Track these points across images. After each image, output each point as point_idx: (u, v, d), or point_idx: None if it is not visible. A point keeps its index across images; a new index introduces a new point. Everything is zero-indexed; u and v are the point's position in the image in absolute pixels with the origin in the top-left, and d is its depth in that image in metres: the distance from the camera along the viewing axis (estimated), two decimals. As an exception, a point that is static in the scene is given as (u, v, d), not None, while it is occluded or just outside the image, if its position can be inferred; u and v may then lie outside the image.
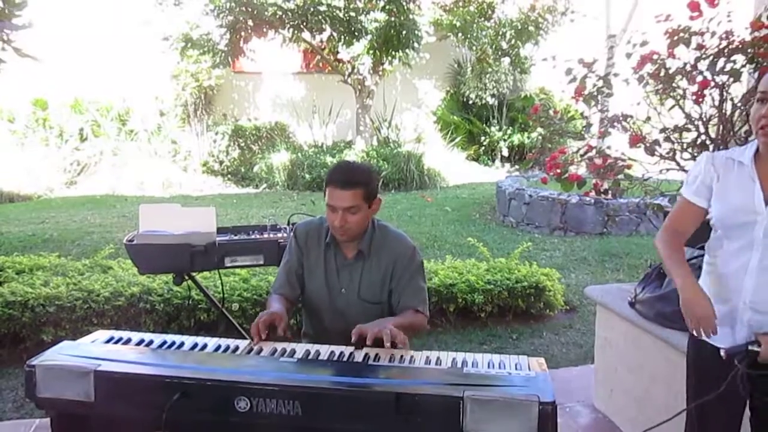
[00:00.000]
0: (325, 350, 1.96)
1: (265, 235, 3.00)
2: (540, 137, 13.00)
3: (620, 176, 3.44)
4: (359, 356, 1.93)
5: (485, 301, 4.91)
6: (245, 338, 2.37)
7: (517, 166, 13.20)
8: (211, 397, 1.68)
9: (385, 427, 1.64)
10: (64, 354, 1.84)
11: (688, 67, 3.03)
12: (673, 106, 3.15)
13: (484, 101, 13.11)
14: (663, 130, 3.18)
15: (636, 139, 3.03)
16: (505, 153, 13.24)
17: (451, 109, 13.63)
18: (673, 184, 3.73)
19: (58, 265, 5.08)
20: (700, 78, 2.99)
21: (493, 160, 13.36)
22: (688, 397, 2.25)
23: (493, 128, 13.29)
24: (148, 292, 4.46)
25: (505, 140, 13.14)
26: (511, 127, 13.28)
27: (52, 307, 4.21)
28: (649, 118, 3.41)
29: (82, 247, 6.91)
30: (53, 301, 4.24)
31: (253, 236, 3.00)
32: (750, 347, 1.88)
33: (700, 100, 2.98)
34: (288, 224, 3.01)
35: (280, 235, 2.97)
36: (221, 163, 12.14)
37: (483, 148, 13.40)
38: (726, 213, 1.97)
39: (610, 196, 3.30)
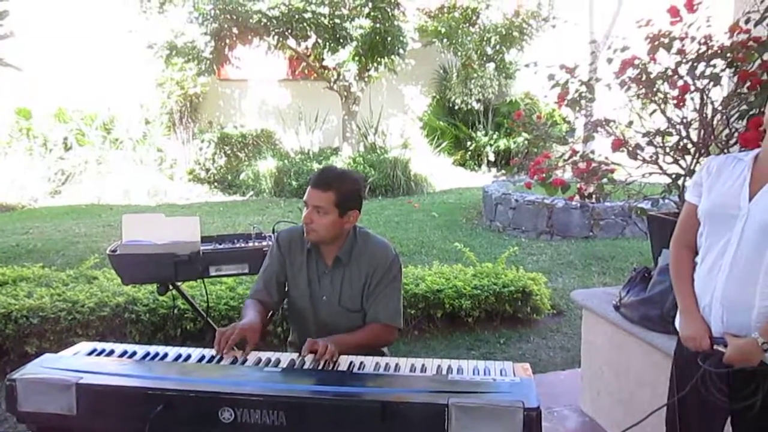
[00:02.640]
0: (309, 359, 1.95)
1: (250, 244, 2.99)
2: (526, 142, 13.15)
3: (604, 180, 3.46)
4: (344, 365, 1.92)
5: (473, 307, 4.92)
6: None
7: (503, 171, 13.25)
8: (195, 408, 1.67)
9: (370, 436, 1.63)
10: (45, 367, 1.82)
11: (669, 72, 3.06)
12: (654, 111, 3.18)
13: (469, 106, 13.14)
14: (645, 134, 3.21)
15: (618, 143, 3.05)
16: (492, 158, 13.28)
17: (437, 114, 13.67)
18: (656, 187, 3.76)
19: (41, 276, 5.03)
20: (681, 82, 3.02)
21: (480, 165, 13.40)
22: (668, 399, 2.26)
23: (479, 133, 13.33)
24: (133, 302, 4.43)
25: (491, 145, 13.18)
26: (497, 132, 13.32)
27: (36, 319, 4.17)
28: (631, 123, 3.44)
29: (67, 258, 6.85)
30: (37, 313, 4.20)
31: (237, 245, 2.99)
32: (715, 346, 1.89)
33: (681, 104, 3.00)
34: (273, 232, 2.99)
35: (265, 243, 2.96)
36: (207, 170, 12.08)
37: (469, 153, 13.44)
38: (710, 206, 1.99)
39: (594, 200, 3.31)
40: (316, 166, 11.32)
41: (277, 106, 13.22)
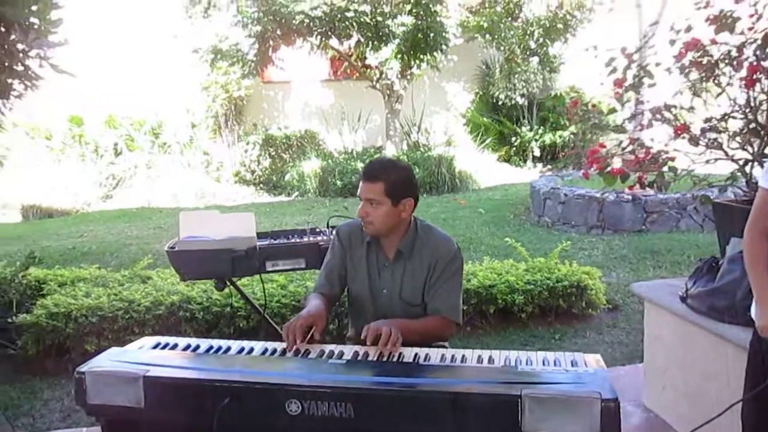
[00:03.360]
0: (373, 352, 1.92)
1: (305, 239, 2.98)
2: (572, 135, 12.92)
3: (665, 168, 3.35)
4: (409, 356, 1.88)
5: (525, 302, 4.83)
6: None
7: (549, 166, 13.04)
8: (262, 401, 1.66)
9: (441, 429, 1.59)
10: (112, 360, 1.83)
11: (733, 53, 2.94)
12: (720, 93, 3.05)
13: (513, 101, 12.97)
14: (708, 120, 3.08)
15: (682, 128, 2.93)
16: (537, 153, 13.07)
17: (481, 110, 13.53)
18: (717, 176, 3.62)
19: (98, 277, 5.14)
20: (746, 63, 2.89)
21: (525, 161, 13.22)
22: (743, 393, 2.16)
23: (523, 128, 13.14)
24: (187, 301, 4.48)
25: (536, 140, 12.98)
26: (542, 127, 13.12)
27: (95, 318, 4.25)
28: (692, 108, 3.31)
29: (121, 259, 6.99)
30: (95, 312, 4.28)
31: (292, 240, 2.98)
32: None
33: (750, 85, 2.87)
34: (327, 227, 2.98)
35: (320, 238, 2.94)
36: (253, 172, 12.22)
37: (514, 149, 13.26)
38: None
39: (656, 189, 3.20)
40: (360, 166, 11.33)
41: (320, 107, 13.29)
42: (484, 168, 11.95)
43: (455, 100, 13.90)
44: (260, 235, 3.01)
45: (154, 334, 4.40)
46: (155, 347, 2.00)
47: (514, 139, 13.22)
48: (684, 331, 2.95)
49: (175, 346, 2.00)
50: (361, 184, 2.32)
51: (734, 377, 2.73)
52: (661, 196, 7.62)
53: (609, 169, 3.17)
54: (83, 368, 1.77)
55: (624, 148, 3.48)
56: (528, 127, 13.16)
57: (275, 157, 12.24)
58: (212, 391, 1.68)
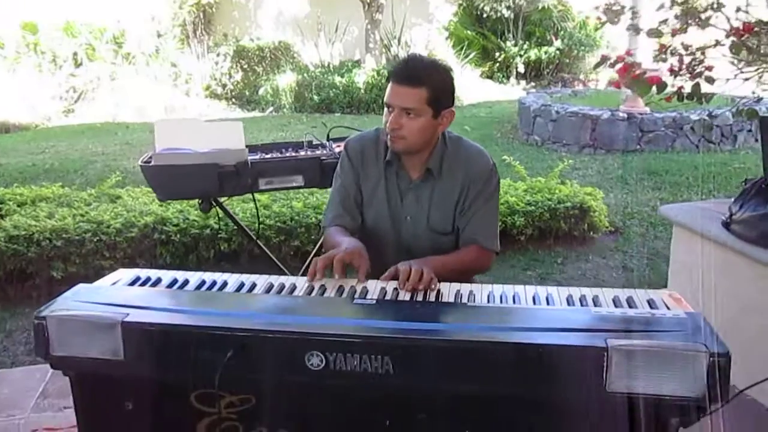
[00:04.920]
0: (402, 290, 1.57)
1: (302, 153, 2.56)
2: (557, 52, 12.41)
3: (701, 78, 2.98)
4: (449, 295, 1.54)
5: (526, 224, 4.54)
6: (285, 273, 1.98)
7: (533, 83, 12.59)
8: (275, 354, 1.31)
9: (502, 387, 1.27)
10: (80, 301, 1.45)
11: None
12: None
13: (499, 14, 12.35)
14: (758, 23, 2.68)
15: (747, 29, 2.51)
16: (521, 69, 12.58)
17: (464, 23, 12.87)
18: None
19: (62, 196, 4.68)
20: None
21: (508, 78, 12.73)
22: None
23: (508, 43, 12.58)
24: (162, 222, 4.09)
25: (521, 56, 12.46)
26: (527, 42, 12.56)
27: (60, 241, 3.84)
28: (738, 9, 2.91)
29: (86, 177, 6.52)
30: (60, 235, 3.87)
31: (288, 154, 2.56)
32: None
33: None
34: (327, 140, 2.57)
35: (320, 152, 2.53)
36: (224, 86, 11.55)
37: (498, 64, 12.73)
38: None
39: (697, 101, 2.83)
40: (338, 80, 10.77)
41: (294, 16, 12.49)
42: (466, 84, 11.43)
43: (437, 12, 13.19)
44: (249, 149, 2.59)
45: (125, 258, 4.07)
46: (133, 283, 1.62)
47: (498, 54, 12.68)
48: (724, 258, 2.67)
49: (158, 282, 1.63)
50: (393, 87, 1.87)
51: (780, 309, 2.49)
52: (658, 115, 7.31)
53: (646, 76, 2.79)
54: (43, 311, 1.40)
55: (656, 56, 3.09)
56: (513, 42, 12.60)
57: (248, 70, 11.56)
58: (210, 340, 1.33)
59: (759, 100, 2.84)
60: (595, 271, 4.32)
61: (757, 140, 7.63)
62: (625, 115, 7.38)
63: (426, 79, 1.84)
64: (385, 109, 1.91)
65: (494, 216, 2.02)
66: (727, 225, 2.60)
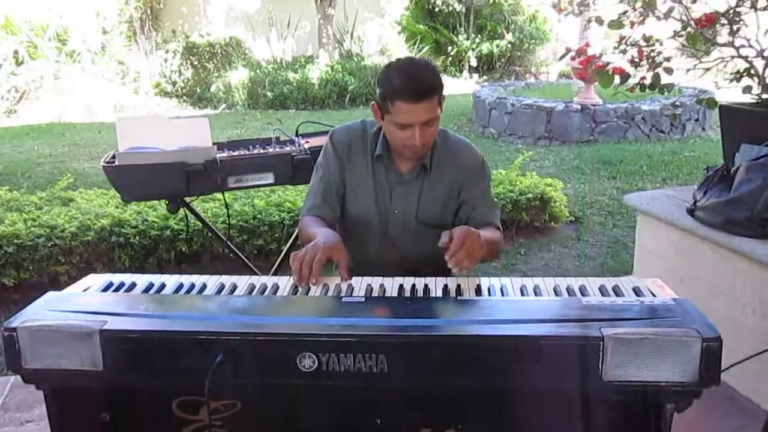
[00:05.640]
0: (390, 285, 1.55)
1: (271, 150, 2.50)
2: (509, 45, 12.55)
3: (660, 69, 3.04)
4: (437, 290, 1.52)
5: (489, 216, 4.57)
6: (255, 273, 1.92)
7: (485, 77, 12.70)
8: (265, 357, 1.27)
9: (501, 380, 1.26)
10: (52, 309, 1.38)
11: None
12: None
13: (450, 8, 12.41)
14: (724, 14, 2.72)
15: (708, 20, 2.56)
16: (474, 63, 12.67)
17: (417, 17, 12.89)
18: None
19: (10, 200, 4.48)
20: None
21: (461, 71, 12.81)
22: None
23: (460, 37, 12.65)
24: (120, 225, 3.96)
25: (473, 50, 12.55)
26: (479, 36, 12.66)
27: (11, 247, 3.68)
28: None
29: (34, 179, 6.27)
30: (11, 240, 3.70)
31: (257, 151, 2.49)
32: None
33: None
34: (296, 135, 2.51)
35: (290, 148, 2.47)
36: (174, 83, 11.29)
37: (450, 58, 12.80)
38: None
39: (656, 91, 2.88)
40: (291, 76, 10.64)
41: (245, 12, 12.29)
42: (420, 78, 11.45)
43: (389, 6, 13.19)
44: (216, 147, 2.51)
45: (82, 263, 3.93)
46: (107, 289, 1.55)
47: (450, 48, 12.74)
48: (688, 244, 2.74)
49: (133, 286, 1.56)
50: (409, 107, 1.75)
51: (744, 292, 2.56)
52: (610, 106, 7.46)
53: (610, 68, 2.83)
54: (13, 322, 1.31)
55: (616, 47, 3.14)
56: (465, 36, 12.68)
57: (198, 66, 11.32)
58: (195, 345, 1.27)
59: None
60: (558, 261, 4.37)
61: (704, 129, 7.89)
62: (579, 107, 7.51)
63: (434, 85, 1.79)
64: (395, 127, 1.82)
65: (494, 201, 2.05)
66: (691, 212, 2.65)
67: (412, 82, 1.75)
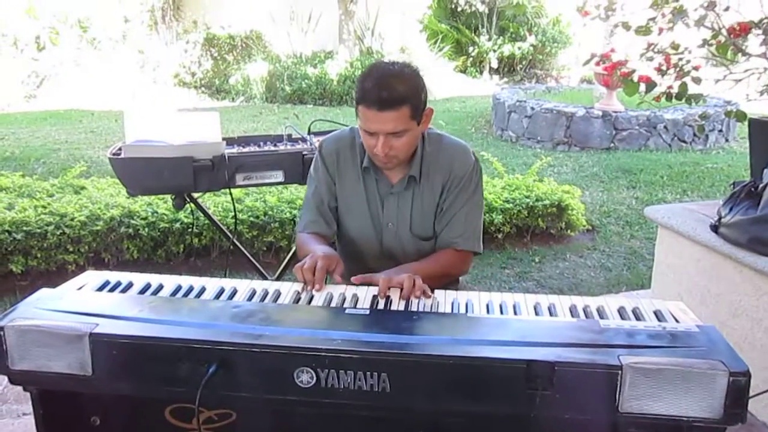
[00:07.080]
0: (396, 296, 1.47)
1: (282, 147, 2.43)
2: (532, 48, 12.41)
3: (688, 78, 2.93)
4: (446, 305, 1.45)
5: (504, 221, 4.49)
6: (260, 271, 1.86)
7: (506, 79, 12.58)
8: (261, 370, 1.20)
9: (509, 406, 1.18)
10: (43, 308, 1.32)
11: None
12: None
13: (473, 8, 12.29)
14: (758, 24, 2.62)
15: (743, 29, 2.46)
16: (494, 65, 12.55)
17: (439, 16, 12.78)
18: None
19: (22, 186, 4.46)
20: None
21: (481, 72, 12.69)
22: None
23: (482, 38, 12.53)
24: (129, 216, 3.92)
25: (494, 51, 12.43)
26: (501, 37, 12.53)
27: (20, 234, 3.65)
28: (728, 8, 2.87)
29: (48, 166, 6.27)
30: (20, 227, 3.68)
31: (267, 148, 2.42)
32: None
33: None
34: (309, 133, 2.44)
35: (302, 146, 2.40)
36: (193, 74, 11.26)
37: (471, 59, 12.68)
38: None
39: (683, 101, 2.78)
40: (310, 71, 10.58)
41: (266, 5, 12.23)
42: (439, 78, 11.35)
43: (412, 4, 13.07)
44: (225, 142, 2.44)
45: (90, 252, 3.89)
46: (102, 288, 1.49)
47: (471, 48, 12.63)
48: (710, 262, 2.63)
49: (129, 287, 1.50)
50: (371, 113, 1.67)
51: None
52: (632, 113, 7.33)
53: (636, 75, 2.73)
54: (2, 321, 1.26)
55: (642, 54, 3.03)
56: (486, 37, 12.56)
57: (218, 58, 11.29)
58: (189, 355, 1.21)
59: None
60: (573, 270, 4.27)
61: (727, 140, 7.73)
62: (600, 113, 7.38)
63: (405, 96, 1.68)
64: (362, 132, 1.75)
65: (476, 216, 1.91)
66: (715, 228, 2.55)
67: (378, 89, 1.66)
